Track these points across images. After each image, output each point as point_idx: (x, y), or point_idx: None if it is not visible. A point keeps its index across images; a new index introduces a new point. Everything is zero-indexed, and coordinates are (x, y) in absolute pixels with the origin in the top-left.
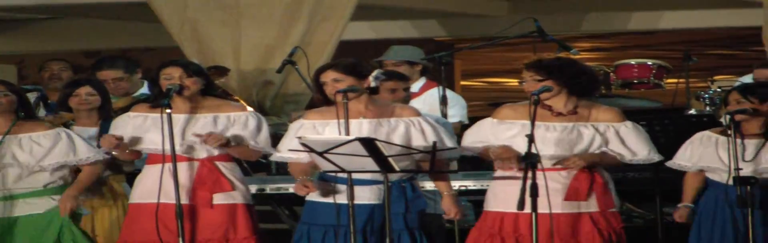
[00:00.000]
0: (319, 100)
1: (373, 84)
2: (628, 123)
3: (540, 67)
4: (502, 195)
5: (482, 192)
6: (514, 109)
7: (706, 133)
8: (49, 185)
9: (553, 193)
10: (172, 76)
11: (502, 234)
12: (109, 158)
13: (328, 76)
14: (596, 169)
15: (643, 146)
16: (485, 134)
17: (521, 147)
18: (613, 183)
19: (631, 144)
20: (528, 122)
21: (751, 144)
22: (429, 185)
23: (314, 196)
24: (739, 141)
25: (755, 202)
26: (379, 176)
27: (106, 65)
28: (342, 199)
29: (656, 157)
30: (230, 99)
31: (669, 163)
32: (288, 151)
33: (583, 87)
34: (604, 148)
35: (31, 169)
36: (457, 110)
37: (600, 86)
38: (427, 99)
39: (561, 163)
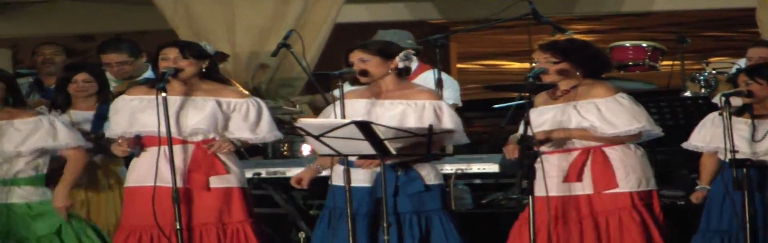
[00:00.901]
0: (354, 80)
1: (400, 65)
2: (612, 97)
3: (557, 49)
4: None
5: (478, 176)
6: (539, 96)
7: (718, 113)
8: (19, 174)
9: (550, 176)
10: (167, 56)
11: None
12: (92, 146)
13: (355, 56)
14: (602, 147)
15: (625, 119)
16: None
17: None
18: (632, 162)
19: (610, 116)
20: (540, 107)
21: (760, 124)
22: (452, 168)
23: (332, 180)
24: (749, 121)
25: (754, 184)
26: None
27: (111, 48)
28: (337, 181)
29: (635, 129)
30: (229, 83)
31: (685, 145)
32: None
33: (597, 69)
34: (584, 124)
35: (9, 156)
36: (450, 93)
37: (611, 68)
38: (422, 82)
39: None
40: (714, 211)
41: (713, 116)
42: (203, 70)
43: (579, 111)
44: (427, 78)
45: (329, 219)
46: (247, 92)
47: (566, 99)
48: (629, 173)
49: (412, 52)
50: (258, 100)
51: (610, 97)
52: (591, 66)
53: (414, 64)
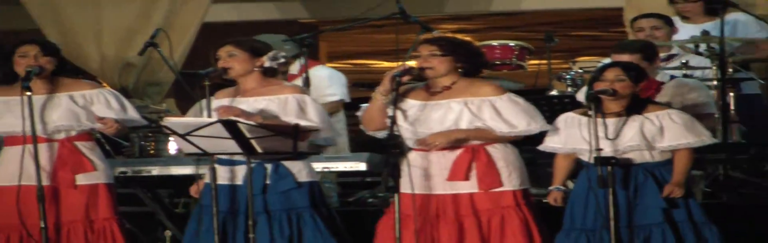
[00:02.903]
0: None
1: (267, 64)
2: (506, 96)
3: (443, 43)
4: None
5: (344, 174)
6: (406, 89)
7: (570, 114)
8: None
9: (422, 173)
10: (27, 53)
11: (389, 214)
12: None
13: (225, 50)
14: (485, 146)
15: (522, 118)
16: None
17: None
18: (513, 160)
19: (509, 116)
20: (417, 103)
21: (611, 123)
22: (319, 166)
23: (205, 178)
24: (600, 120)
25: (618, 180)
26: (240, 157)
27: None
28: (217, 179)
29: (535, 129)
30: (83, 77)
31: (541, 147)
32: None
33: (477, 67)
34: (477, 124)
35: None
36: (337, 88)
37: (486, 68)
38: (310, 77)
39: (420, 142)
40: (578, 210)
41: (564, 117)
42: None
43: (470, 109)
44: (313, 75)
45: (201, 217)
46: (96, 83)
47: (445, 96)
48: (512, 172)
49: (283, 53)
50: (110, 89)
51: (505, 96)
52: (473, 63)
53: (298, 62)
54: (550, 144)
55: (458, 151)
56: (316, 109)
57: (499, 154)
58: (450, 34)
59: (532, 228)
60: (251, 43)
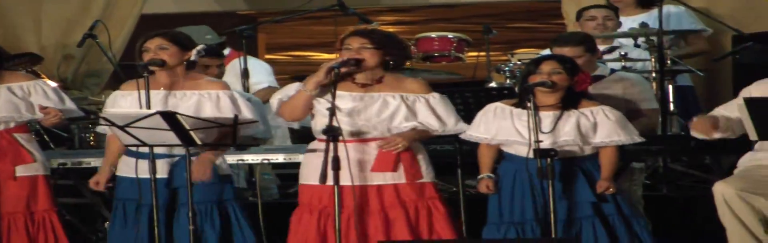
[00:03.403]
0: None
1: (193, 58)
2: (436, 94)
3: (375, 36)
4: (312, 167)
5: (287, 165)
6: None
7: (498, 104)
8: None
9: (356, 165)
10: None
11: (311, 207)
12: None
13: (154, 43)
14: None
15: (451, 116)
16: None
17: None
18: (425, 154)
19: (442, 115)
20: (345, 95)
21: (545, 116)
22: (230, 159)
23: (118, 171)
24: (534, 113)
25: (555, 174)
26: (166, 150)
27: None
28: (125, 172)
29: (465, 127)
30: (15, 68)
31: (464, 136)
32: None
33: (402, 60)
34: (413, 123)
35: None
36: (262, 76)
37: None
38: (230, 70)
39: (383, 143)
40: (505, 203)
41: (494, 107)
42: None
43: (407, 104)
44: (236, 66)
45: (125, 212)
46: (32, 75)
47: (377, 89)
48: (428, 165)
49: (203, 46)
50: (46, 80)
51: (437, 95)
52: (400, 57)
53: (225, 52)
54: (475, 134)
55: (376, 144)
56: (246, 104)
57: (416, 146)
58: (382, 27)
59: (451, 217)
60: (180, 36)
